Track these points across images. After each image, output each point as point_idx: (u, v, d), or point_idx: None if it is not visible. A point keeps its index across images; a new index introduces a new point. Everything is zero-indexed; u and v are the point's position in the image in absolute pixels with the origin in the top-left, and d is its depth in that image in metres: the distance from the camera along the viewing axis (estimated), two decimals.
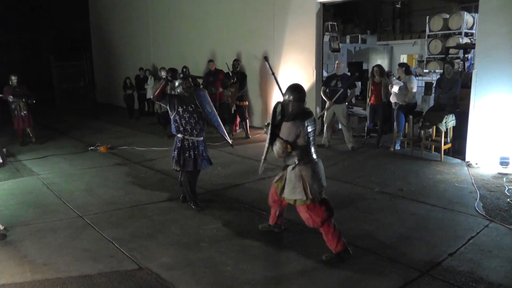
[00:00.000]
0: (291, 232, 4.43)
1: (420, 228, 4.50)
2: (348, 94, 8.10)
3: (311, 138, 3.81)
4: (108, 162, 7.66)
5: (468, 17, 13.34)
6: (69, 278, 3.57)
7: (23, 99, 9.00)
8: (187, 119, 4.94)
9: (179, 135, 4.99)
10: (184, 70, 10.45)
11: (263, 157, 4.00)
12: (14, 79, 9.03)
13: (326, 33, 13.64)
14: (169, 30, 13.77)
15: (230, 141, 5.35)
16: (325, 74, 11.32)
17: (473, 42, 11.84)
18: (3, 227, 4.38)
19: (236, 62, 9.67)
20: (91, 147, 8.71)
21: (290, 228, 4.48)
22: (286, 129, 3.70)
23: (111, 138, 9.71)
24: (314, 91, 9.39)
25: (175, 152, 5.02)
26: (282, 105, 3.90)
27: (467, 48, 11.84)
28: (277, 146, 3.71)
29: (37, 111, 10.41)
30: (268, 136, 3.86)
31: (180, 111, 4.93)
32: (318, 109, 9.34)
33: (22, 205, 5.41)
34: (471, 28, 13.29)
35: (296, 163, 3.75)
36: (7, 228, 4.42)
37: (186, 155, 4.97)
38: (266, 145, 3.91)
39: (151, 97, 10.78)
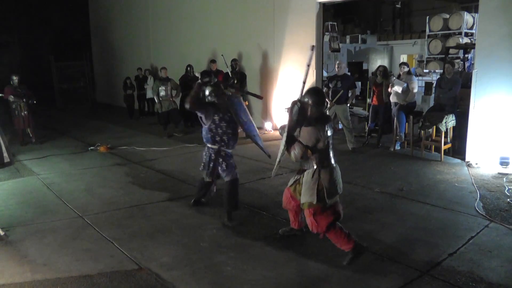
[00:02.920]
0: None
1: (420, 228, 4.49)
2: (349, 95, 8.05)
3: (330, 142, 3.74)
4: (108, 162, 7.66)
5: (468, 17, 13.35)
6: (69, 278, 3.57)
7: (24, 99, 9.00)
8: (224, 129, 4.60)
9: (215, 146, 4.64)
10: (189, 69, 10.44)
11: (277, 160, 3.93)
12: (15, 79, 9.02)
13: (326, 33, 13.65)
14: (169, 30, 13.77)
15: (268, 153, 4.89)
16: (325, 74, 11.33)
17: (473, 42, 11.84)
18: (3, 233, 4.35)
19: (234, 62, 9.64)
20: (91, 147, 8.71)
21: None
22: (307, 134, 3.63)
23: (111, 138, 9.70)
24: None
25: (211, 165, 4.66)
26: (299, 107, 3.73)
27: (467, 48, 11.84)
28: (296, 151, 3.64)
29: (37, 111, 10.40)
30: (284, 139, 3.76)
31: (216, 120, 4.58)
32: None
33: (22, 205, 5.41)
34: (471, 28, 13.30)
35: (315, 167, 3.69)
36: (7, 234, 4.39)
37: (224, 165, 4.67)
38: (281, 147, 3.83)
39: (153, 97, 10.86)
